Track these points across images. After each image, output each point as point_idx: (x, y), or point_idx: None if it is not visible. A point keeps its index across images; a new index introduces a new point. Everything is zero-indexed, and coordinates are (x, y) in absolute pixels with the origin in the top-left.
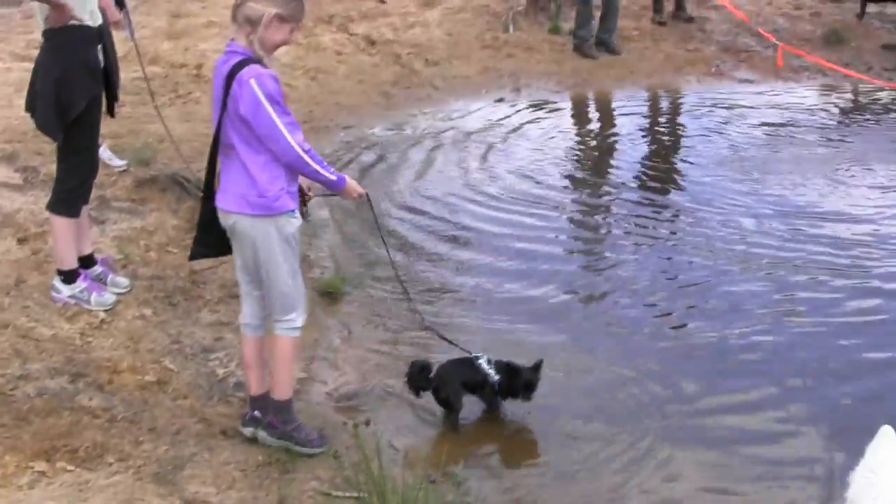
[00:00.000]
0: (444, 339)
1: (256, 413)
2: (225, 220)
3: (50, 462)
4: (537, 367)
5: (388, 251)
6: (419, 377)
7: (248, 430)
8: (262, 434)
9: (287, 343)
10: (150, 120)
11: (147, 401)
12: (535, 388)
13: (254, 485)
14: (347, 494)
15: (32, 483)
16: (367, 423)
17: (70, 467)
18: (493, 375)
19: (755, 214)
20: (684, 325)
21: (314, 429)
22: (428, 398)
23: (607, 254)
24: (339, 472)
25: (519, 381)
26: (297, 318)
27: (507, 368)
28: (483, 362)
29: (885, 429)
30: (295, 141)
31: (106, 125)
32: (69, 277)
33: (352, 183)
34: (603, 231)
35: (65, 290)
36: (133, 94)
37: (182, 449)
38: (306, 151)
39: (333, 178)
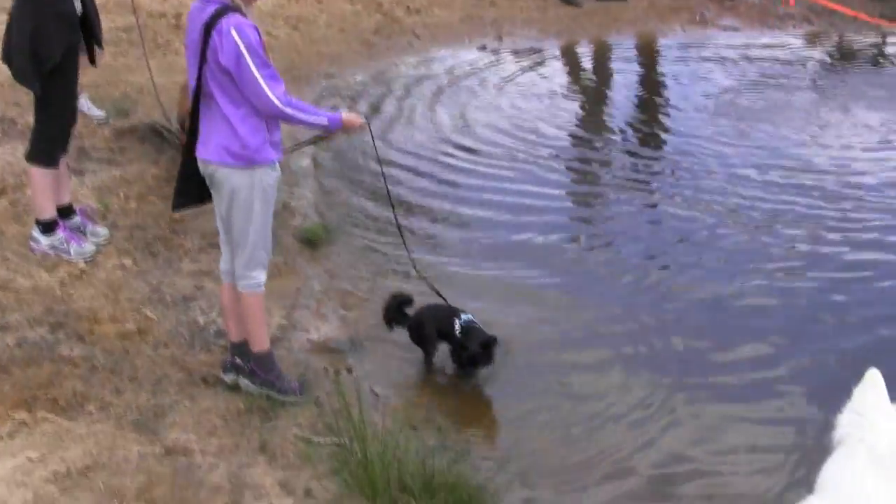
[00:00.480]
0: (435, 291)
1: (237, 360)
2: (205, 169)
3: (31, 412)
4: (487, 344)
5: (386, 186)
6: (396, 311)
7: (228, 377)
8: (243, 381)
9: (254, 300)
10: (129, 70)
11: (127, 350)
12: (476, 364)
13: (235, 432)
14: (328, 440)
15: (13, 432)
16: (349, 370)
17: (51, 416)
18: (457, 335)
19: (744, 165)
20: (676, 279)
21: (295, 376)
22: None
23: (597, 207)
24: (320, 419)
25: (467, 351)
26: (261, 275)
27: (466, 333)
28: (460, 319)
29: (872, 372)
30: (276, 94)
31: (85, 75)
32: (48, 228)
33: (348, 117)
34: (591, 182)
35: (44, 241)
36: (112, 44)
37: (163, 397)
38: (289, 103)
39: (324, 120)
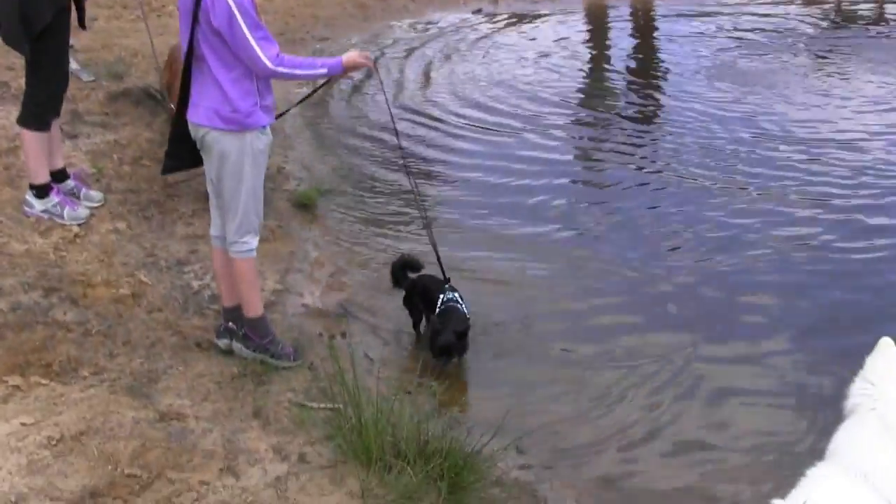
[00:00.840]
0: (436, 252)
1: (231, 324)
2: (195, 132)
3: (24, 376)
4: (462, 334)
5: (395, 130)
6: (399, 271)
7: (222, 342)
8: (237, 346)
9: (246, 265)
10: (123, 34)
11: (121, 314)
12: (450, 354)
13: (228, 396)
14: (323, 405)
15: (6, 397)
16: (343, 334)
17: (44, 381)
18: (436, 313)
19: (745, 128)
20: (681, 247)
21: (289, 341)
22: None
23: (593, 175)
24: (314, 384)
25: (440, 338)
26: (253, 240)
27: (444, 315)
28: (444, 295)
29: (885, 340)
30: (267, 55)
31: (80, 40)
32: (41, 192)
33: (349, 58)
34: (589, 150)
35: (37, 205)
36: (106, 7)
37: (156, 362)
38: (280, 63)
39: (323, 70)
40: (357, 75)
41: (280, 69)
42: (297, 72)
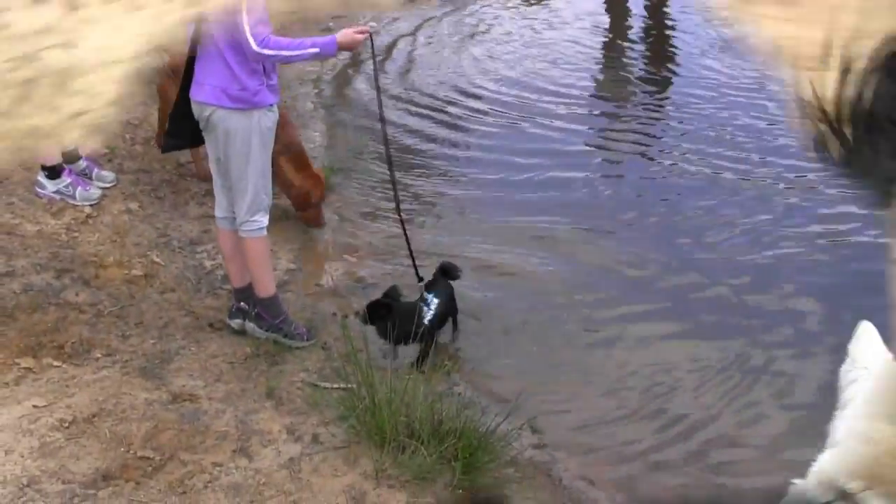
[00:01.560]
0: (411, 255)
1: (242, 304)
2: (200, 112)
3: (36, 358)
4: (426, 337)
5: (381, 116)
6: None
7: (235, 322)
8: (250, 326)
9: (257, 244)
10: None
11: (134, 295)
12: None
13: (241, 377)
14: (336, 385)
15: (19, 379)
16: (357, 314)
17: (56, 363)
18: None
19: (756, 113)
20: (693, 233)
21: (303, 321)
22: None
23: (606, 166)
24: (327, 364)
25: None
26: (263, 219)
27: (403, 312)
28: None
29: (865, 325)
30: (253, 34)
31: None
32: (53, 173)
33: (344, 36)
34: (600, 138)
35: (49, 186)
36: None
37: (169, 342)
38: (266, 44)
39: (315, 50)
40: (365, 55)
41: (265, 51)
42: (284, 53)
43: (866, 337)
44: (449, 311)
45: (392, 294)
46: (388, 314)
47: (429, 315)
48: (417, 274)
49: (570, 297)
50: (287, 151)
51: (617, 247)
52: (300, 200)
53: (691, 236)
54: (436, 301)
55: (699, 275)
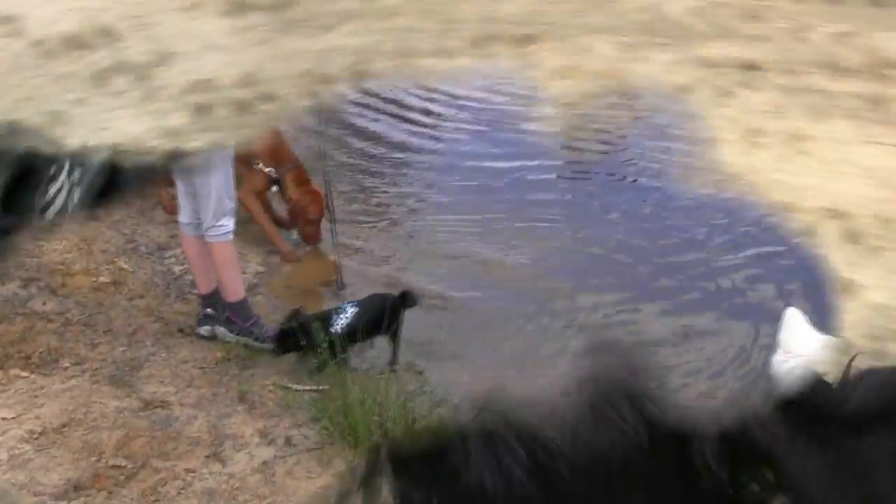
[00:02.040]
0: (339, 275)
1: (209, 311)
2: None
3: (3, 369)
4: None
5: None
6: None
7: (204, 329)
8: (221, 330)
9: (224, 248)
10: None
11: (102, 302)
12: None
13: (213, 381)
14: (308, 388)
15: None
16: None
17: (24, 373)
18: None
19: None
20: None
21: (273, 324)
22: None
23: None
24: (298, 366)
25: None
26: (229, 223)
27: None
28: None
29: (791, 311)
30: None
31: None
32: None
33: None
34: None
35: None
36: None
37: (139, 349)
38: None
39: None
40: None
41: None
42: None
43: (794, 323)
44: (374, 327)
45: (294, 317)
46: (295, 336)
47: (339, 324)
48: (339, 281)
49: (545, 292)
50: (293, 167)
51: (593, 240)
52: (295, 214)
53: (672, 231)
54: (352, 311)
55: (678, 269)
